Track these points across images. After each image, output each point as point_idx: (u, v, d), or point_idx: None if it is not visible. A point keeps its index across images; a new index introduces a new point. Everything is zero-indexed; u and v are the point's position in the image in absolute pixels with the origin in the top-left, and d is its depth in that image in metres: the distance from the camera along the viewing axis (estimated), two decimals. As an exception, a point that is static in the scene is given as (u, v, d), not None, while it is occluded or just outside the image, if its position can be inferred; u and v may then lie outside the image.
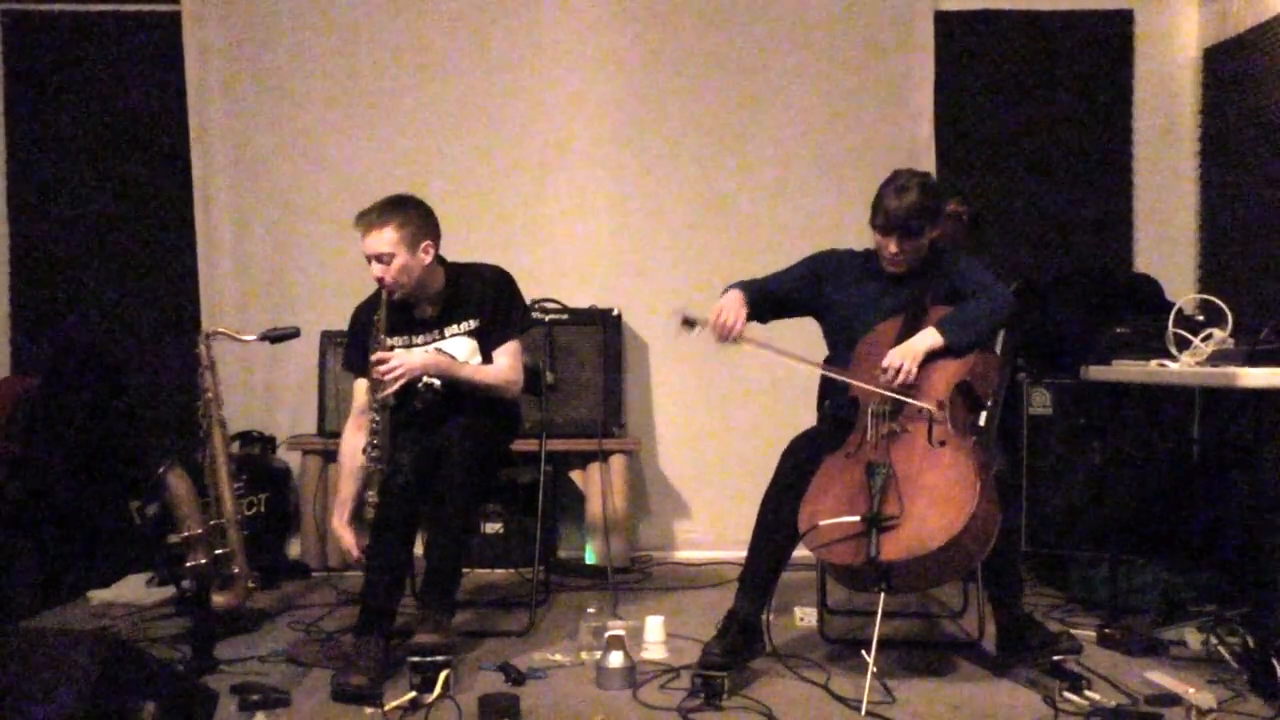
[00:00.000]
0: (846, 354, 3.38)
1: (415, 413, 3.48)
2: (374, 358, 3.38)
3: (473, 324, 3.55)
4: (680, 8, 4.98)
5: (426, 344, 3.54)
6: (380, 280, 3.41)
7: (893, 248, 3.29)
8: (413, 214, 3.42)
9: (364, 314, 3.60)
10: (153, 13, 4.99)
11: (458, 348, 3.53)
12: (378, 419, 3.37)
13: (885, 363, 3.19)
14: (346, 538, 3.40)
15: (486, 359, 3.55)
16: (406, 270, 3.41)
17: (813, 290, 3.46)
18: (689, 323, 3.27)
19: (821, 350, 3.59)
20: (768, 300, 3.42)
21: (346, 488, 3.45)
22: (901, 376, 3.16)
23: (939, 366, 3.20)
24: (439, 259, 3.53)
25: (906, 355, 3.18)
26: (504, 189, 4.98)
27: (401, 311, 3.51)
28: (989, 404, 3.31)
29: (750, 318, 3.31)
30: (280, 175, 5.00)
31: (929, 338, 3.20)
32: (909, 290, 3.36)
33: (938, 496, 2.95)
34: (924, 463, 3.04)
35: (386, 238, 3.37)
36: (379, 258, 3.39)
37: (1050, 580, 4.21)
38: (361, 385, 3.54)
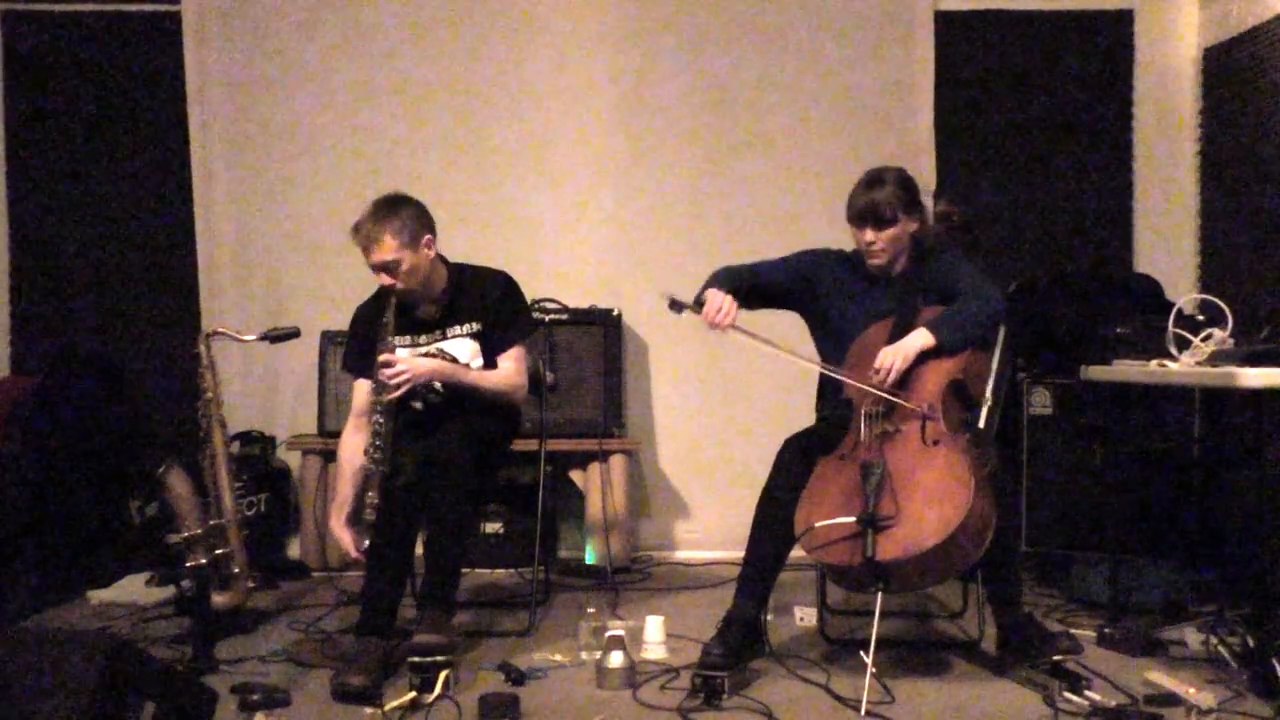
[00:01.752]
0: (837, 356, 3.38)
1: (416, 414, 3.48)
2: (380, 358, 3.37)
3: (475, 326, 3.55)
4: (680, 9, 4.98)
5: (428, 344, 3.54)
6: (391, 288, 3.41)
7: (868, 236, 3.31)
8: (405, 214, 3.40)
9: (364, 314, 3.60)
10: (153, 13, 4.99)
11: (460, 349, 3.53)
12: (381, 421, 3.36)
13: (876, 363, 3.19)
14: (345, 538, 3.38)
15: (489, 362, 3.55)
16: (415, 271, 3.42)
17: (803, 287, 3.48)
18: (676, 305, 3.25)
19: (810, 348, 3.59)
20: (754, 290, 3.41)
21: (345, 488, 3.44)
22: (892, 376, 3.17)
23: (931, 366, 3.20)
24: (440, 258, 3.53)
25: (898, 354, 3.18)
26: (504, 189, 4.98)
27: (403, 311, 3.51)
28: (989, 403, 3.31)
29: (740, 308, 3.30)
30: (280, 175, 5.00)
31: (921, 338, 3.20)
32: (900, 291, 3.37)
33: (932, 495, 2.96)
34: (918, 462, 3.04)
35: (389, 246, 3.36)
36: (385, 268, 3.39)
37: (1050, 580, 4.21)
38: (361, 386, 3.53)
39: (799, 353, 3.42)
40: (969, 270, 3.36)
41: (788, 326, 3.55)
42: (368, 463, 3.35)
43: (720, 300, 3.24)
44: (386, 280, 3.40)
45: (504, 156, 4.99)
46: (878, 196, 3.30)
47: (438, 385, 3.47)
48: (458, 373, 3.48)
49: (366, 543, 3.30)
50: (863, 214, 3.31)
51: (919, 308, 3.31)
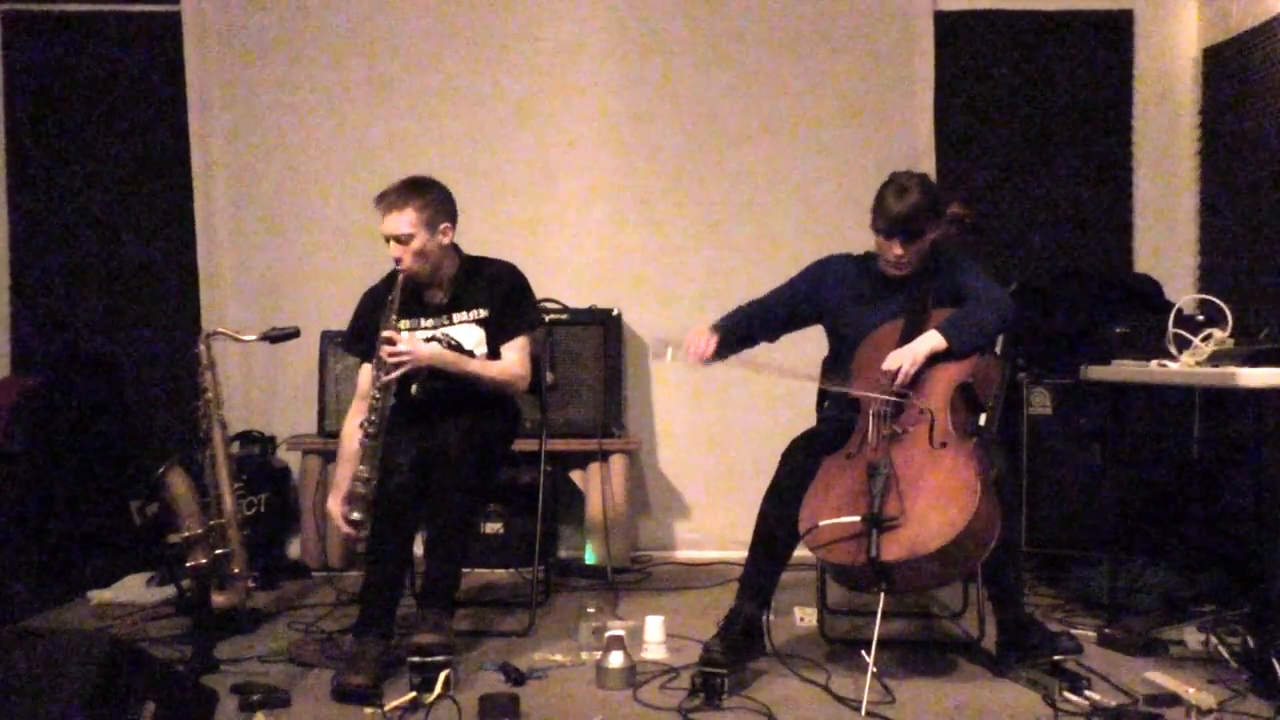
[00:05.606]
0: (848, 357, 3.38)
1: (413, 400, 3.48)
2: (383, 334, 3.38)
3: (482, 313, 3.56)
4: (680, 11, 4.98)
5: (434, 328, 3.54)
6: (397, 260, 3.42)
7: (897, 250, 3.29)
8: (432, 196, 3.43)
9: (373, 298, 3.60)
10: (153, 13, 4.99)
11: (465, 335, 3.54)
12: (378, 396, 3.36)
13: (886, 365, 3.19)
14: (338, 514, 3.38)
15: (494, 351, 3.56)
16: (424, 252, 3.43)
17: (813, 298, 3.49)
18: (659, 352, 3.39)
19: (822, 350, 3.60)
20: (764, 323, 3.48)
21: (344, 472, 3.43)
22: (901, 378, 3.17)
23: (940, 369, 3.20)
24: (454, 247, 3.54)
25: (907, 357, 3.18)
26: (504, 189, 4.98)
27: (412, 294, 3.51)
28: (989, 405, 3.31)
29: (722, 344, 3.38)
30: (280, 175, 4.99)
31: (931, 340, 3.20)
32: (910, 293, 3.36)
33: (938, 498, 2.96)
34: (925, 464, 3.05)
35: (406, 219, 3.38)
36: (398, 238, 3.40)
37: (1050, 580, 4.21)
38: (366, 370, 3.54)
39: (790, 370, 3.46)
40: (978, 273, 3.36)
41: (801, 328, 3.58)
42: (362, 437, 3.35)
43: (696, 339, 3.36)
44: (394, 251, 3.41)
45: (505, 157, 4.98)
46: (909, 208, 3.24)
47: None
48: (459, 361, 3.48)
49: (356, 515, 3.29)
50: (893, 227, 3.26)
51: (929, 310, 3.30)
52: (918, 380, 3.19)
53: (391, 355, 3.36)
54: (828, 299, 3.47)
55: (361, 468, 3.31)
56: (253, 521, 4.34)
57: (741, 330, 3.45)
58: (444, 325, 3.55)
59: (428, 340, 3.51)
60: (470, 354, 3.53)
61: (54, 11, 5.01)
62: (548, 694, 3.08)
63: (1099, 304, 4.25)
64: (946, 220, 3.40)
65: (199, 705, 2.61)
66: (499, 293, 3.56)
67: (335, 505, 3.41)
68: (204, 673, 3.18)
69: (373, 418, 3.35)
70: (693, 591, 4.32)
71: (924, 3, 4.94)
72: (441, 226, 3.44)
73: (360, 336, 3.56)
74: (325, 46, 4.97)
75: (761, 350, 3.53)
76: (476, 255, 3.64)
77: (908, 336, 3.25)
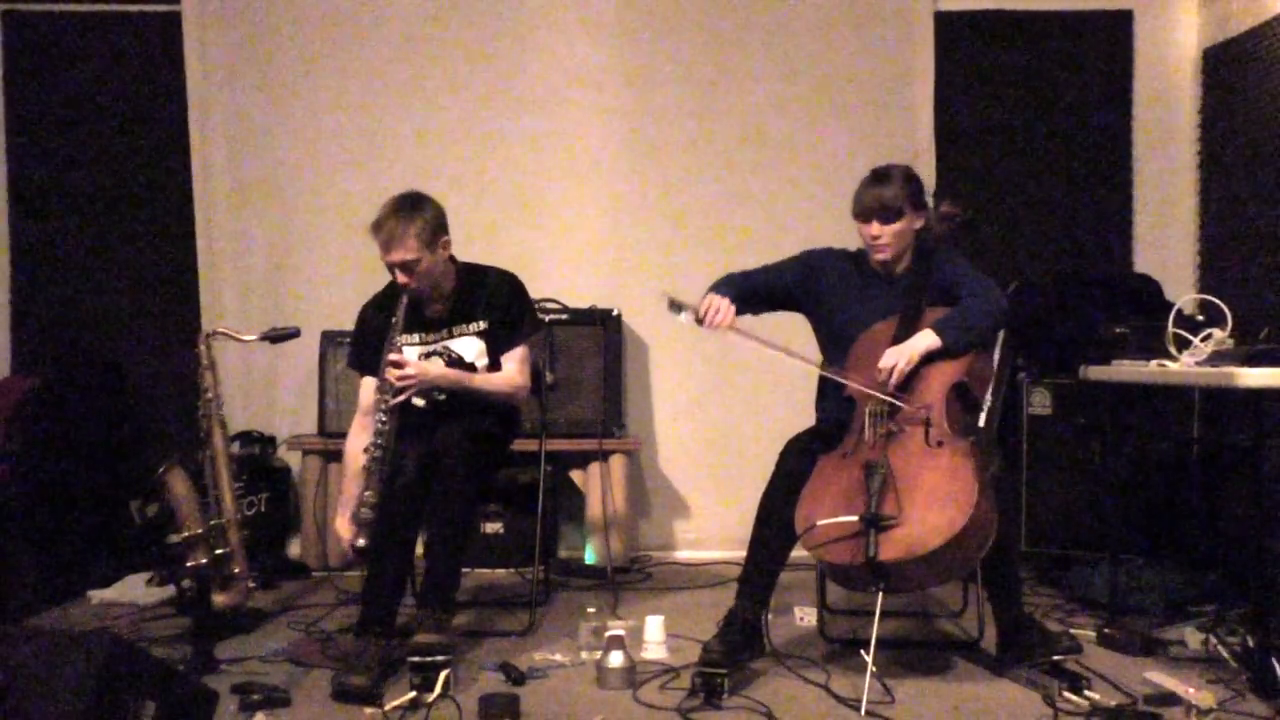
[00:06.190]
0: (840, 354, 3.38)
1: (418, 412, 3.48)
2: (390, 359, 3.38)
3: (482, 325, 3.57)
4: (680, 10, 4.98)
5: (435, 342, 3.55)
6: (404, 285, 3.42)
7: (874, 230, 3.31)
8: (427, 214, 3.43)
9: (371, 313, 3.60)
10: (153, 13, 4.99)
11: (466, 348, 3.55)
12: (384, 419, 3.37)
13: (882, 363, 3.19)
14: (346, 536, 3.40)
15: (494, 361, 3.57)
16: (429, 271, 3.44)
17: (804, 286, 3.47)
18: (675, 306, 3.29)
19: (813, 348, 3.59)
20: (756, 294, 3.44)
21: (350, 487, 3.46)
22: (896, 377, 3.17)
23: (936, 368, 3.20)
24: (450, 257, 3.54)
25: (902, 355, 3.18)
26: (504, 189, 4.98)
27: (411, 309, 3.52)
28: (988, 404, 3.31)
29: (739, 312, 3.34)
30: (280, 175, 5.00)
31: (926, 339, 3.20)
32: (903, 291, 3.36)
33: (936, 497, 2.96)
34: (922, 463, 3.04)
35: (410, 245, 3.38)
36: (403, 266, 3.40)
37: (1050, 580, 4.21)
38: (368, 385, 3.54)
39: (798, 353, 3.41)
40: (972, 271, 3.36)
41: (792, 325, 3.56)
42: (368, 460, 3.36)
43: (717, 302, 3.29)
44: (402, 278, 3.42)
45: (504, 157, 4.99)
46: (884, 192, 3.30)
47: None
48: (463, 379, 3.50)
49: (361, 541, 3.30)
50: (868, 208, 3.31)
51: (923, 308, 3.30)
52: (913, 379, 3.19)
53: (400, 379, 3.36)
54: (820, 291, 3.46)
55: (368, 493, 3.32)
56: (253, 521, 4.36)
57: (740, 300, 3.40)
58: (445, 339, 3.56)
59: (429, 355, 3.52)
60: (472, 367, 3.55)
61: (54, 11, 5.00)
62: (548, 694, 3.08)
63: (1099, 304, 4.25)
64: (938, 218, 3.40)
65: (199, 705, 2.61)
66: (497, 303, 3.57)
67: (343, 527, 3.42)
68: (204, 673, 3.18)
69: (379, 441, 3.35)
70: (693, 591, 4.32)
71: (924, 2, 4.94)
72: (441, 241, 3.45)
73: (366, 354, 3.56)
74: (325, 47, 4.97)
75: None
76: (473, 264, 3.64)
77: (902, 335, 3.25)
